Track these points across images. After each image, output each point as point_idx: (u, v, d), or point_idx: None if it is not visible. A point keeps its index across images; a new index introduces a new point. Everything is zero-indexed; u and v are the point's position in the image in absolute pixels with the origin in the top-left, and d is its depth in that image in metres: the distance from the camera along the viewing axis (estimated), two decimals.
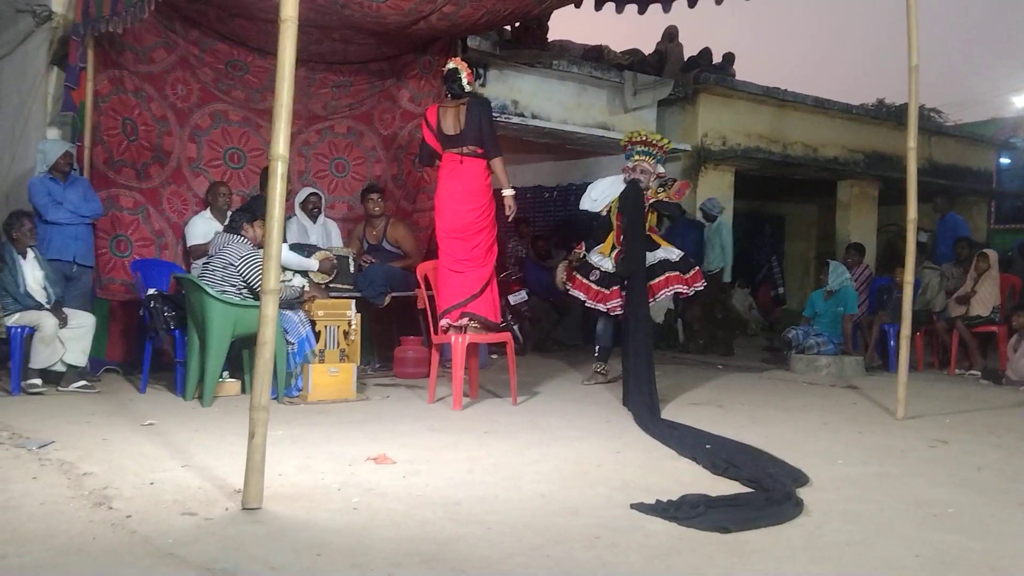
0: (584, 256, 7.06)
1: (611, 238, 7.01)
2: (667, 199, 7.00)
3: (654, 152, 7.08)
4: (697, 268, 7.09)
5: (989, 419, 5.95)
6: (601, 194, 7.16)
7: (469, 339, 5.98)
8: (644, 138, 7.12)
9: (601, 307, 6.90)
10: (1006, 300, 8.86)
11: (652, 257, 6.86)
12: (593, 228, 7.25)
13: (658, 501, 3.44)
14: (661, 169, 7.11)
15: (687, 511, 3.32)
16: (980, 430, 5.44)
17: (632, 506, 3.41)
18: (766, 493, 3.61)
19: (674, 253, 6.95)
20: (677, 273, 6.86)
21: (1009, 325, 8.26)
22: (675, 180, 7.34)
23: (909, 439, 5.04)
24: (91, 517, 3.15)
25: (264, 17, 6.95)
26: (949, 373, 8.76)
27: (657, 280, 6.78)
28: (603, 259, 6.96)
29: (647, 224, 6.95)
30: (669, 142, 7.38)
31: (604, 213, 7.11)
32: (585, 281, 6.94)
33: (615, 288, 6.81)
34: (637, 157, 7.03)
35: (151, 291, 6.31)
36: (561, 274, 7.16)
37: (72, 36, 6.78)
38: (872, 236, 13.55)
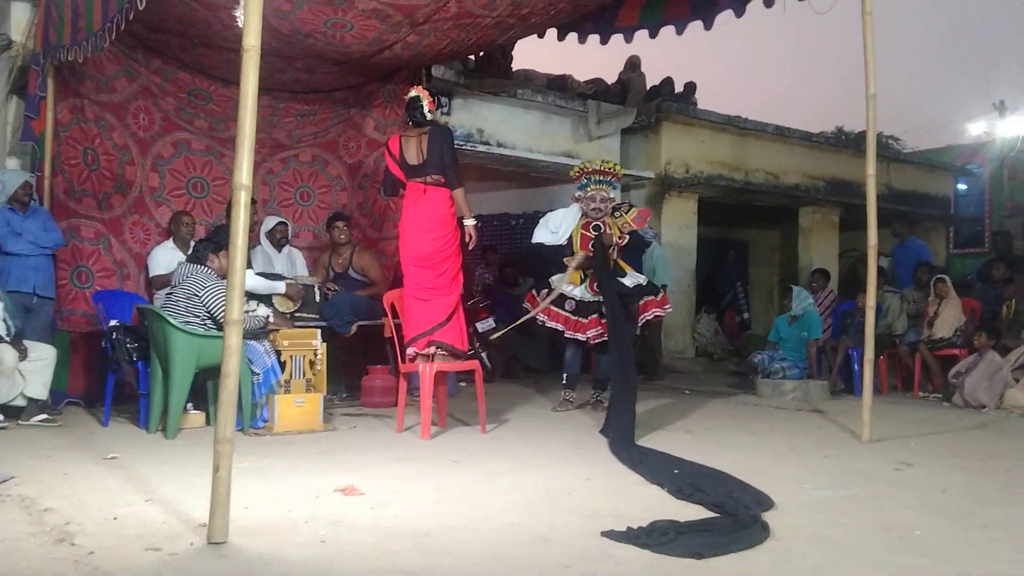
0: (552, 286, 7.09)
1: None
2: (625, 227, 7.07)
3: (610, 180, 7.17)
4: (663, 291, 7.17)
5: (952, 441, 6.02)
6: (559, 226, 7.19)
7: (437, 367, 5.95)
8: (599, 167, 7.19)
9: (580, 337, 6.91)
10: (967, 323, 9.00)
11: (626, 284, 6.92)
12: (556, 259, 7.29)
13: (629, 528, 3.42)
14: (613, 194, 7.23)
15: (658, 538, 3.30)
16: (944, 452, 5.50)
17: (603, 534, 3.39)
18: (732, 518, 3.61)
19: (640, 278, 7.04)
20: (652, 297, 6.94)
21: (970, 347, 8.37)
22: (630, 205, 7.40)
23: (875, 462, 5.08)
24: (52, 554, 3.08)
25: (227, 46, 6.94)
26: (912, 395, 8.86)
27: (634, 306, 6.84)
28: (575, 288, 6.99)
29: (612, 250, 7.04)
30: (620, 167, 7.49)
31: (565, 243, 7.16)
32: (562, 312, 6.96)
33: (593, 317, 6.85)
34: (594, 187, 7.09)
35: (113, 322, 6.22)
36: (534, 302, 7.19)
37: (32, 65, 6.72)
38: (834, 261, 13.72)
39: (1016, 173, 16.42)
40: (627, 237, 7.09)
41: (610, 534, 3.38)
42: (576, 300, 6.95)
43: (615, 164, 7.40)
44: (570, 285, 7.01)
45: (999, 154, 16.56)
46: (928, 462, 5.12)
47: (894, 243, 11.80)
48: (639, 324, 7.02)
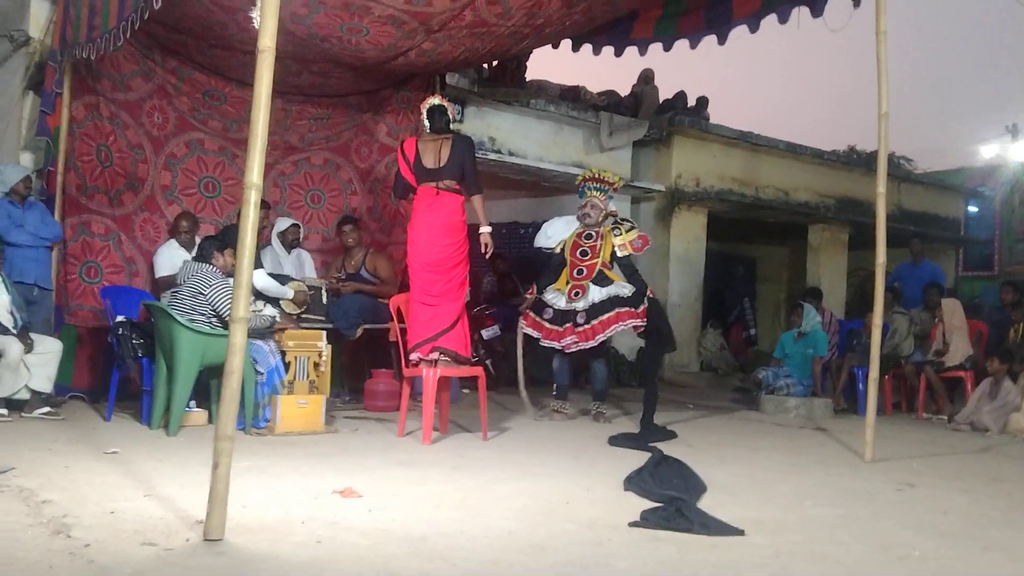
0: (538, 296, 7.12)
1: (565, 274, 7.09)
2: (623, 248, 7.08)
3: (605, 188, 7.23)
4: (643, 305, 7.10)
5: (956, 464, 5.99)
6: (556, 232, 7.37)
7: (440, 372, 5.96)
8: (596, 175, 7.31)
9: (556, 345, 6.94)
10: (973, 346, 8.96)
11: (603, 293, 6.91)
12: (548, 266, 7.34)
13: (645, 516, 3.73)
14: (613, 207, 7.30)
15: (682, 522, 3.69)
16: (947, 474, 5.47)
17: (630, 524, 3.68)
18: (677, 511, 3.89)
19: (625, 289, 6.96)
20: (628, 308, 6.85)
21: (982, 371, 8.29)
22: (632, 225, 7.36)
23: (876, 482, 5.06)
24: (49, 545, 3.09)
25: (243, 48, 6.98)
26: (917, 417, 8.82)
27: (607, 315, 6.81)
28: (558, 296, 7.03)
29: (600, 259, 7.02)
30: (621, 180, 7.55)
31: (558, 251, 7.21)
32: (539, 319, 7.02)
33: (568, 325, 6.87)
34: (589, 193, 7.22)
35: (120, 318, 6.24)
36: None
37: (49, 61, 6.76)
38: (842, 279, 13.69)
39: None
40: (626, 244, 7.11)
41: (636, 523, 3.71)
42: (554, 309, 7.03)
43: (612, 174, 7.45)
44: (555, 292, 7.06)
45: (1011, 177, 16.48)
46: (930, 483, 5.09)
47: (905, 262, 11.67)
48: (604, 335, 6.95)
